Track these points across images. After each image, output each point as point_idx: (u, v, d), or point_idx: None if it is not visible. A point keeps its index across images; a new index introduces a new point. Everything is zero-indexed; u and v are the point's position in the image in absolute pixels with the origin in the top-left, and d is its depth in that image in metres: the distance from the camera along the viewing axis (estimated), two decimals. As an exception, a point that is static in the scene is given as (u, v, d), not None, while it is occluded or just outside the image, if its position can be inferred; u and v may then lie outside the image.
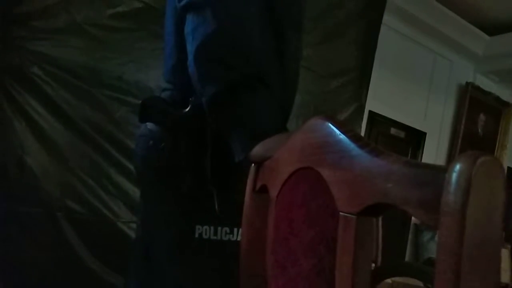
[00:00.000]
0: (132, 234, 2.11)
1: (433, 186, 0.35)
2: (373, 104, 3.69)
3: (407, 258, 4.20)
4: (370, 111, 3.76)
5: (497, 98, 4.71)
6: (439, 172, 0.35)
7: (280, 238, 0.54)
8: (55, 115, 2.14)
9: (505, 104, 4.80)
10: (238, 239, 0.84)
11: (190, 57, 0.83)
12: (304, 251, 0.48)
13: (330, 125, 0.49)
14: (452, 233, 0.32)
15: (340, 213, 0.44)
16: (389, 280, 3.07)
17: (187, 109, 0.92)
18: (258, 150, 0.67)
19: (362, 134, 3.65)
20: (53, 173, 2.13)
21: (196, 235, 0.90)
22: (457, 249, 0.31)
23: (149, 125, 0.98)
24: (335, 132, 0.48)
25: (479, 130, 4.70)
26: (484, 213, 0.32)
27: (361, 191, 0.42)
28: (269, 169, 0.63)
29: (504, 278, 4.32)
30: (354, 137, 0.46)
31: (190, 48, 0.83)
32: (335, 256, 0.44)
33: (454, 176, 0.33)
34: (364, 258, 0.42)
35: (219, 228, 0.90)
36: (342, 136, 0.47)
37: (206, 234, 0.90)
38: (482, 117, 4.70)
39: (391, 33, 3.79)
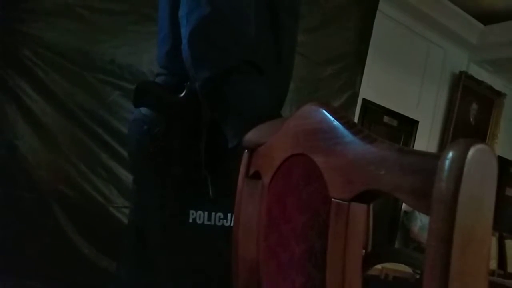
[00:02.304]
0: (125, 219, 2.11)
1: (426, 173, 0.35)
2: (366, 92, 3.69)
3: (397, 244, 4.25)
4: (363, 99, 3.77)
5: (490, 88, 4.74)
6: (432, 159, 0.35)
7: (272, 224, 0.55)
8: (47, 99, 2.12)
9: (498, 93, 4.83)
10: (232, 224, 0.84)
11: (184, 41, 0.82)
12: (296, 236, 0.49)
13: (324, 111, 0.49)
14: (443, 220, 0.32)
15: (333, 199, 0.44)
16: (379, 266, 3.11)
17: (182, 94, 0.91)
18: (251, 136, 0.67)
19: (355, 121, 3.66)
20: (44, 157, 2.12)
21: (190, 220, 0.90)
22: (448, 236, 0.32)
23: (143, 109, 0.97)
24: (328, 118, 0.48)
25: (471, 119, 4.74)
26: (476, 200, 0.32)
27: (353, 177, 0.42)
28: (262, 155, 0.63)
29: (491, 265, 4.41)
30: (348, 123, 0.46)
31: (184, 32, 0.82)
32: (327, 242, 0.44)
33: (446, 163, 0.33)
34: (355, 244, 0.43)
35: (213, 213, 0.90)
36: (335, 123, 0.47)
37: (200, 219, 0.90)
38: (474, 106, 4.73)
39: (386, 20, 3.77)
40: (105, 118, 2.26)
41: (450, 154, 0.33)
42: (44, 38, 2.09)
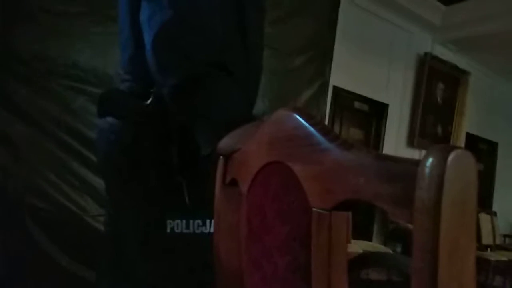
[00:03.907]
0: (101, 228, 2.07)
1: (405, 181, 0.34)
2: (336, 79, 3.72)
3: (375, 226, 4.33)
4: (334, 86, 3.79)
5: (455, 67, 4.85)
6: (411, 166, 0.34)
7: (253, 234, 0.53)
8: (9, 110, 2.04)
9: (463, 72, 4.95)
10: (212, 230, 0.83)
11: (148, 47, 0.79)
12: (279, 248, 0.48)
13: (298, 117, 0.48)
14: (427, 230, 0.31)
15: (313, 209, 0.43)
16: (360, 250, 3.15)
17: (148, 101, 0.88)
18: (225, 142, 0.65)
19: (328, 110, 3.69)
20: (13, 170, 2.04)
21: (168, 230, 0.88)
22: (433, 245, 0.31)
23: (109, 118, 0.93)
24: (303, 125, 0.46)
25: (439, 99, 4.84)
26: (459, 206, 0.32)
27: (333, 186, 0.41)
28: (238, 162, 0.62)
29: (487, 240, 4.59)
30: (323, 129, 0.44)
31: (147, 37, 0.79)
32: (310, 252, 0.43)
33: (426, 170, 0.32)
34: (339, 253, 0.42)
35: (191, 221, 0.88)
36: (311, 129, 0.45)
37: (178, 228, 0.88)
38: (440, 85, 4.84)
39: (350, 7, 3.80)
40: (72, 125, 2.19)
41: (430, 161, 0.32)
42: (2, 45, 2.01)
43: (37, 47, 2.09)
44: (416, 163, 0.34)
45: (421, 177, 0.32)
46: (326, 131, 0.44)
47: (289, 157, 0.48)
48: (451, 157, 0.32)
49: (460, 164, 0.32)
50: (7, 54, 2.01)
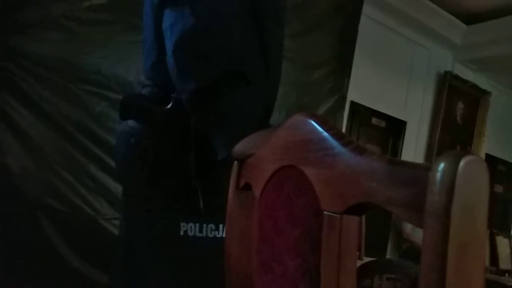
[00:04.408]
0: (115, 231, 2.09)
1: (417, 186, 0.34)
2: (354, 94, 3.71)
3: (389, 245, 4.27)
4: (351, 102, 3.78)
5: (475, 86, 4.79)
6: (423, 171, 0.34)
7: (264, 237, 0.54)
8: (33, 112, 2.09)
9: (483, 92, 4.89)
10: (224, 235, 0.84)
11: (169, 53, 0.81)
12: (289, 250, 0.48)
13: (313, 122, 0.49)
14: (437, 234, 0.32)
15: (324, 212, 0.44)
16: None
17: (168, 106, 0.90)
18: (240, 147, 0.66)
19: (344, 124, 3.68)
20: (32, 171, 2.08)
21: (181, 233, 0.89)
22: (442, 250, 0.31)
23: (130, 122, 0.96)
24: (317, 129, 0.47)
25: (458, 118, 4.78)
26: (469, 212, 0.32)
27: (345, 190, 0.42)
28: (252, 167, 0.63)
29: (505, 265, 4.46)
30: (337, 134, 0.45)
31: (169, 44, 0.81)
32: (320, 255, 0.43)
33: (438, 175, 0.33)
34: (349, 257, 0.42)
35: (204, 225, 0.89)
36: (325, 134, 0.46)
37: (191, 231, 0.89)
38: (460, 105, 4.78)
39: (370, 23, 3.80)
40: (92, 129, 2.23)
41: (441, 166, 0.33)
42: (29, 50, 2.07)
43: (62, 53, 2.15)
44: (428, 168, 0.34)
45: (432, 182, 0.33)
46: (340, 136, 0.44)
47: (302, 161, 0.48)
48: (462, 162, 0.32)
49: (472, 170, 0.32)
50: (31, 58, 2.07)
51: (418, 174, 0.35)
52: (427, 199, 0.33)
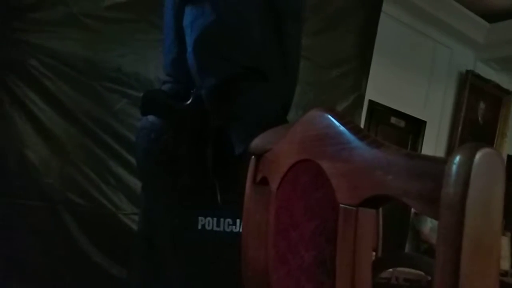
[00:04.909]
0: (134, 226, 2.12)
1: (433, 178, 0.35)
2: (372, 93, 3.68)
3: (408, 246, 4.22)
4: (370, 101, 3.75)
5: (497, 86, 4.69)
6: (439, 164, 0.35)
7: (280, 231, 0.55)
8: (55, 108, 2.14)
9: (505, 91, 4.78)
10: (241, 230, 0.85)
11: (189, 49, 0.83)
12: (305, 243, 0.49)
13: (330, 116, 0.49)
14: (452, 225, 0.32)
15: (340, 205, 0.44)
16: (390, 269, 3.09)
17: (188, 102, 0.92)
18: (257, 142, 0.67)
19: (362, 123, 3.65)
20: (53, 166, 2.13)
21: (199, 227, 0.91)
22: (456, 241, 0.31)
23: (151, 117, 0.98)
24: (334, 124, 0.48)
25: (479, 118, 4.69)
26: (484, 205, 0.32)
27: (361, 183, 0.42)
28: (269, 161, 0.63)
29: (504, 265, 4.35)
30: (354, 128, 0.46)
31: (189, 40, 0.83)
32: (336, 248, 0.44)
33: (453, 168, 0.33)
34: (365, 249, 0.43)
35: (222, 220, 0.91)
36: (342, 128, 0.47)
37: (209, 225, 0.91)
38: (482, 105, 4.69)
39: (390, 21, 3.76)
40: (112, 125, 2.27)
41: (457, 159, 0.33)
42: (51, 48, 2.12)
43: (83, 51, 2.19)
44: (444, 161, 0.34)
45: (448, 174, 0.33)
46: (356, 130, 0.45)
47: (319, 154, 0.49)
48: (478, 155, 0.32)
49: (488, 163, 0.32)
50: (53, 55, 2.12)
51: (435, 167, 0.35)
52: (443, 191, 0.33)
